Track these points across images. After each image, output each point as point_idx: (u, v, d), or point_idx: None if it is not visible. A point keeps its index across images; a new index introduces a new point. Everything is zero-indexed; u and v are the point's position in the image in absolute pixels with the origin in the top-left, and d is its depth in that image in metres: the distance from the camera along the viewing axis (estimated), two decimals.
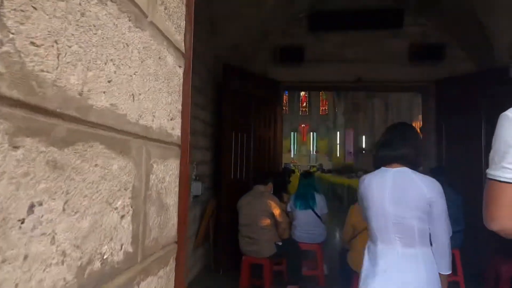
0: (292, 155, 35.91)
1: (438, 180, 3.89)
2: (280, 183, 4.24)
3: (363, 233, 2.90)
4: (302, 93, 38.15)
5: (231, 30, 4.53)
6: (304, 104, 38.57)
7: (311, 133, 37.23)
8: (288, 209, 4.09)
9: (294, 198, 4.02)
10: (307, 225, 3.94)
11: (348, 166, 24.73)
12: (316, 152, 37.06)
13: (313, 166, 32.35)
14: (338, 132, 34.98)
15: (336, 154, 34.74)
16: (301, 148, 36.32)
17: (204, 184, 4.30)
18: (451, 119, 4.65)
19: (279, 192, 4.23)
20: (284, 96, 36.62)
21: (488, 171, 1.00)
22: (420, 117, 17.85)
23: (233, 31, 4.56)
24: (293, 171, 15.93)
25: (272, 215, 3.30)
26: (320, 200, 3.99)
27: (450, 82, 4.71)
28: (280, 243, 3.37)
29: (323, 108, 38.13)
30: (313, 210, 3.92)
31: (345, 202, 11.04)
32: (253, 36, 4.91)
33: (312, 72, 5.14)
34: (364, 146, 23.54)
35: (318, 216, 3.94)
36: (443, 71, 4.86)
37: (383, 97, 20.36)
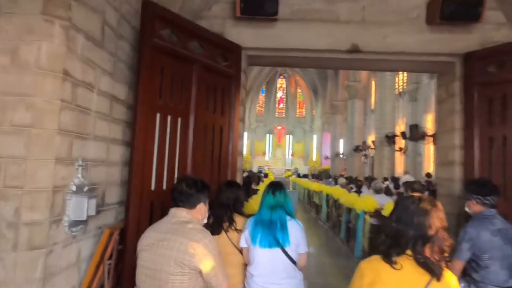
0: (267, 158, 34.37)
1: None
2: (233, 201, 2.58)
3: None
4: (279, 95, 36.80)
5: None
6: (281, 105, 37.23)
7: (287, 136, 35.89)
8: (242, 244, 2.44)
9: (253, 227, 2.38)
10: (273, 274, 2.30)
11: (325, 170, 23.45)
12: (291, 155, 35.72)
13: (288, 170, 31.00)
14: (315, 136, 33.82)
15: (312, 158, 33.54)
16: (276, 151, 34.87)
17: (103, 200, 2.57)
18: (488, 115, 3.18)
19: (230, 213, 2.57)
20: (260, 96, 35.23)
21: None
22: (402, 121, 16.68)
23: None
24: (266, 175, 14.22)
25: (198, 272, 1.63)
26: (295, 230, 2.36)
27: (487, 56, 3.24)
28: None
29: (300, 110, 36.94)
30: (283, 249, 2.29)
31: (323, 213, 9.52)
32: None
33: (290, 36, 3.54)
34: (342, 150, 22.32)
35: (292, 260, 2.31)
36: (475, 41, 3.39)
37: (363, 99, 19.22)
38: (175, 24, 2.80)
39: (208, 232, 1.76)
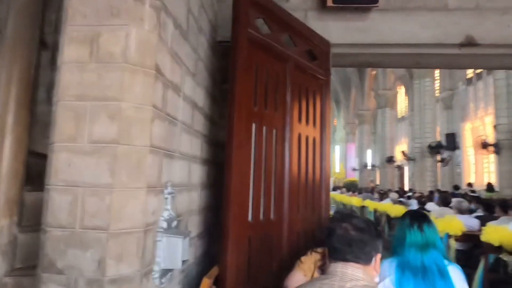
0: None
1: None
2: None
3: None
4: None
5: None
6: None
7: None
8: None
9: (399, 274, 1.75)
10: None
11: (352, 183, 22.51)
12: None
13: None
14: (337, 146, 32.89)
15: (335, 170, 32.55)
16: None
17: (192, 235, 1.99)
18: None
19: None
20: None
21: None
22: (437, 129, 15.74)
23: None
24: None
25: None
26: (460, 280, 1.73)
27: None
28: None
29: None
30: None
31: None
32: None
33: (385, 29, 2.94)
34: (370, 161, 21.41)
35: None
36: None
37: (394, 107, 18.42)
38: (269, 12, 2.25)
39: None
